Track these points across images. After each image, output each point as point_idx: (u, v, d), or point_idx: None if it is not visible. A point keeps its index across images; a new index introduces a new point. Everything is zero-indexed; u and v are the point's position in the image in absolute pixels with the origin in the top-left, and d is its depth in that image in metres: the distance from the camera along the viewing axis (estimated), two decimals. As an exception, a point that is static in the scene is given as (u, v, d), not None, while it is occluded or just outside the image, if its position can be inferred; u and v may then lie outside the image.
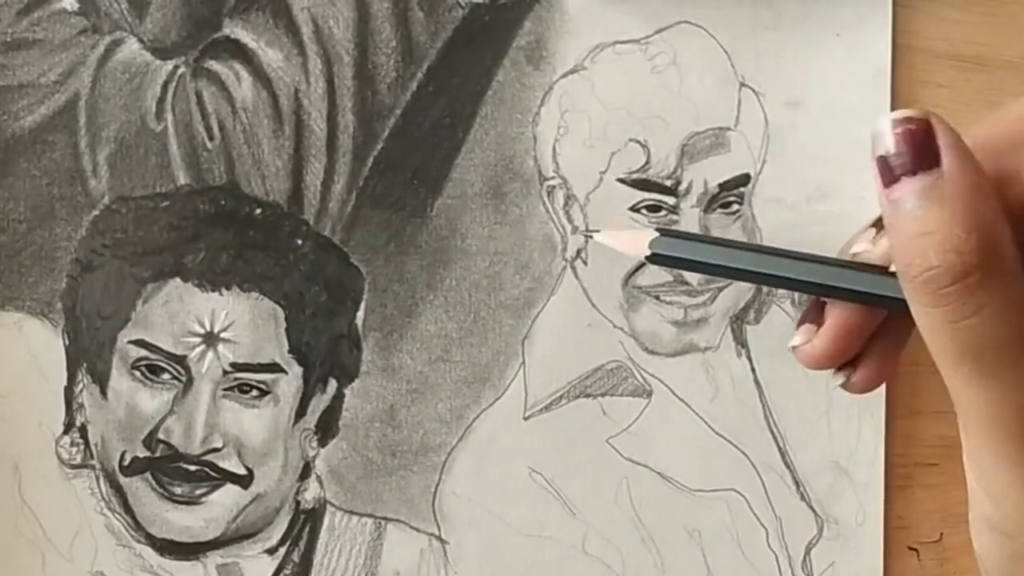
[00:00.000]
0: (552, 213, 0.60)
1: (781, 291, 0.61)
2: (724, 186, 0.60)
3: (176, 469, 0.59)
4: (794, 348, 0.49)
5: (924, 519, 0.63)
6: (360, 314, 0.59)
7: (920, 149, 0.42)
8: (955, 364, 0.43)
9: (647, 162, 0.60)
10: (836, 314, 0.49)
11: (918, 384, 0.61)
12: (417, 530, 0.60)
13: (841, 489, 0.61)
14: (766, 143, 0.60)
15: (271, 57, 0.59)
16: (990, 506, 0.44)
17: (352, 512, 0.60)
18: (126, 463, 0.59)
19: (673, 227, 0.51)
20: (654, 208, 0.60)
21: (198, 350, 0.59)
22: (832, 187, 0.60)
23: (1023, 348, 0.42)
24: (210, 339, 0.59)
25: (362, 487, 0.60)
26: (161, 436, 0.59)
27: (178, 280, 0.59)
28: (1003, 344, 0.42)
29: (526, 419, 0.60)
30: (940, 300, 0.42)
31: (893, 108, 0.60)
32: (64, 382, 0.59)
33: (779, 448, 0.61)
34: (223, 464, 0.59)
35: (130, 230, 0.59)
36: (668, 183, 0.60)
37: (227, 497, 0.59)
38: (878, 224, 0.48)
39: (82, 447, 0.59)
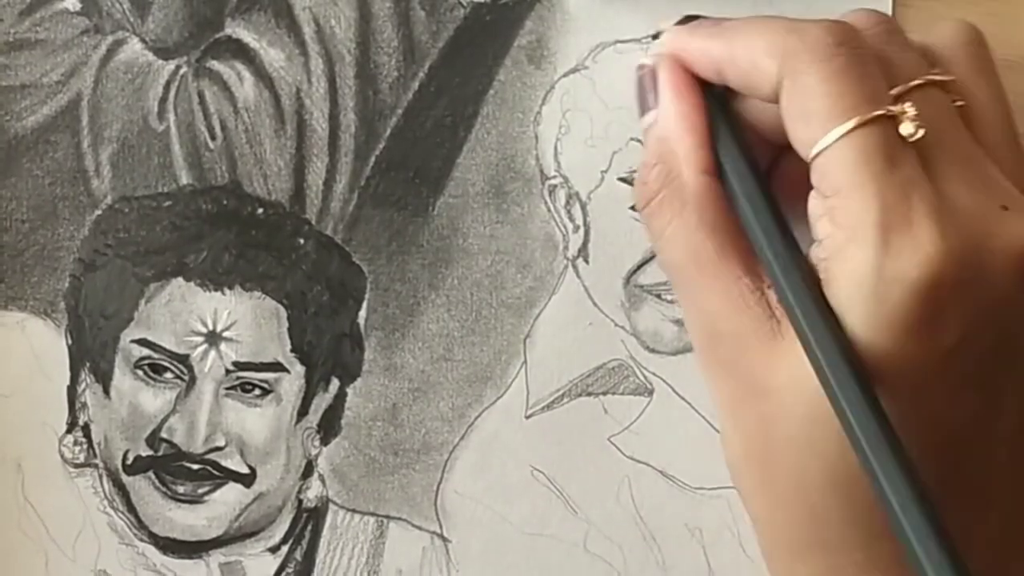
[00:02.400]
0: (554, 212, 0.60)
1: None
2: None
3: (179, 468, 0.59)
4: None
5: (925, 517, 0.63)
6: (362, 313, 0.60)
7: (646, 91, 0.50)
8: (667, 278, 0.52)
9: (648, 161, 0.60)
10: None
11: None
12: (419, 528, 0.60)
13: (842, 487, 0.61)
14: (767, 142, 0.60)
15: (273, 57, 0.59)
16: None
17: (354, 510, 0.60)
18: (129, 462, 0.59)
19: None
20: (655, 207, 0.60)
21: (200, 349, 0.59)
22: (833, 186, 0.60)
23: (696, 266, 0.48)
24: (212, 338, 0.59)
25: (364, 486, 0.60)
26: (164, 435, 0.59)
27: (180, 279, 0.59)
28: (684, 264, 0.48)
29: (528, 418, 0.60)
30: (645, 223, 0.50)
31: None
32: (67, 381, 0.59)
33: (780, 446, 0.60)
34: (226, 463, 0.59)
35: (133, 230, 0.59)
36: (669, 182, 0.60)
37: (230, 496, 0.59)
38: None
39: (85, 446, 0.59)
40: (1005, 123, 0.49)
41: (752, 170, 0.49)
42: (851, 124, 0.45)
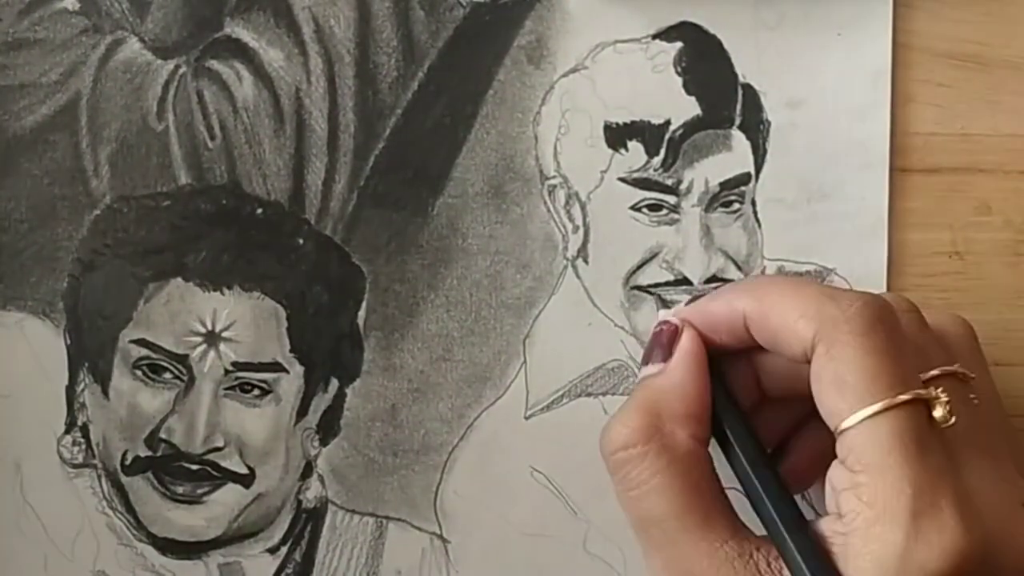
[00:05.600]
0: (553, 212, 0.60)
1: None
2: (725, 185, 0.60)
3: (178, 468, 0.59)
4: None
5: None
6: (361, 313, 0.60)
7: (660, 346, 0.51)
8: (635, 533, 0.49)
9: (648, 161, 0.60)
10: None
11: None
12: (419, 529, 0.60)
13: (842, 488, 0.61)
14: (767, 142, 0.60)
15: (272, 56, 0.59)
16: None
17: (354, 511, 0.60)
18: (128, 462, 0.59)
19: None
20: (655, 207, 0.60)
21: (199, 349, 0.59)
22: (832, 187, 0.60)
23: (680, 526, 0.47)
24: (211, 338, 0.59)
25: (364, 486, 0.60)
26: (163, 435, 0.59)
27: (179, 280, 0.59)
28: (664, 520, 0.47)
29: (527, 418, 0.60)
30: (612, 467, 0.49)
31: (893, 107, 0.60)
32: (66, 382, 0.59)
33: (780, 447, 0.61)
34: (225, 463, 0.59)
35: (131, 230, 0.59)
36: (669, 182, 0.60)
37: (229, 496, 0.59)
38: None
39: (84, 446, 0.59)
40: (1004, 421, 0.50)
41: (756, 443, 0.50)
42: (887, 403, 0.45)
